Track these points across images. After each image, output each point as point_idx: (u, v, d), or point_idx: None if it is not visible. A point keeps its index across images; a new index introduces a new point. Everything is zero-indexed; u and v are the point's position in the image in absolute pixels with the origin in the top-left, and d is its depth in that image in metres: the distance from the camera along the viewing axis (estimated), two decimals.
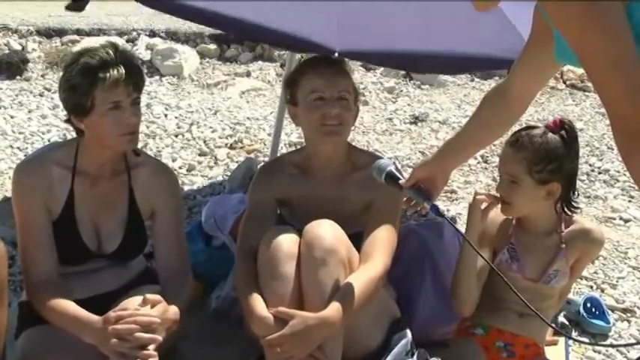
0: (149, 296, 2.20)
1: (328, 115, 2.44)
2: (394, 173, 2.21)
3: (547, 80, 2.16)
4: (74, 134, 2.44)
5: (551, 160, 2.39)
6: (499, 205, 2.49)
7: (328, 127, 2.44)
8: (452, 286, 2.55)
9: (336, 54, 2.79)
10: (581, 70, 4.78)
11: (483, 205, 2.49)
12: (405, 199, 2.21)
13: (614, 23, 1.54)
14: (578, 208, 2.55)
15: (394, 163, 2.27)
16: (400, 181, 2.19)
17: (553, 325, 2.86)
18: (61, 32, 6.39)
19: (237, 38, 6.48)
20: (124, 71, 2.26)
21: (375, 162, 2.26)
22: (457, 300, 2.54)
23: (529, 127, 2.46)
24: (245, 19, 2.80)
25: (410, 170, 2.22)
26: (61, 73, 2.36)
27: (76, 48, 5.54)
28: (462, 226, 3.16)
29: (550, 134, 2.41)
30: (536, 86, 2.11)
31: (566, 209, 2.51)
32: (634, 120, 1.52)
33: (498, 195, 2.49)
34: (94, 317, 2.16)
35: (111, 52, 2.28)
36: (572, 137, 2.44)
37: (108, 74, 2.23)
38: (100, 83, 2.24)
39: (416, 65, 3.37)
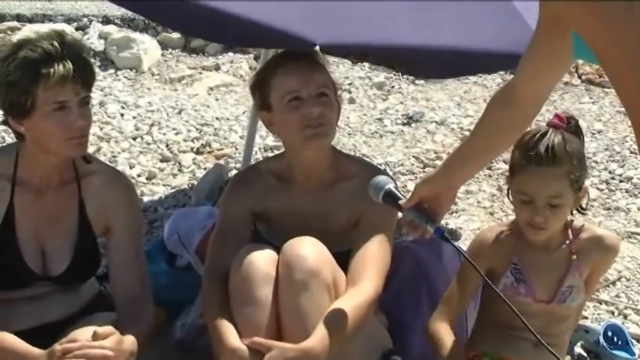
0: (99, 330, 2.18)
1: (309, 117, 2.43)
2: (394, 192, 2.22)
3: (560, 76, 2.16)
4: (14, 138, 2.42)
5: (582, 161, 2.42)
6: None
7: (310, 129, 2.44)
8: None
9: (317, 47, 2.78)
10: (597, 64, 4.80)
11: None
12: (407, 221, 2.21)
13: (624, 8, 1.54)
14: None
15: (392, 180, 2.27)
16: (400, 202, 2.19)
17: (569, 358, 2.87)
18: None
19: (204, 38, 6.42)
20: (70, 66, 2.24)
21: (372, 180, 2.26)
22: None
23: (536, 134, 2.40)
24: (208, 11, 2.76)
25: (409, 185, 2.21)
26: None
27: (16, 37, 5.49)
28: (461, 243, 3.13)
29: (565, 133, 2.41)
30: (547, 84, 2.10)
31: (576, 212, 2.53)
32: None
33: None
34: (37, 351, 2.15)
35: (56, 43, 2.26)
36: (580, 128, 2.47)
37: (52, 70, 2.22)
38: (43, 80, 2.22)
39: (412, 66, 3.36)
